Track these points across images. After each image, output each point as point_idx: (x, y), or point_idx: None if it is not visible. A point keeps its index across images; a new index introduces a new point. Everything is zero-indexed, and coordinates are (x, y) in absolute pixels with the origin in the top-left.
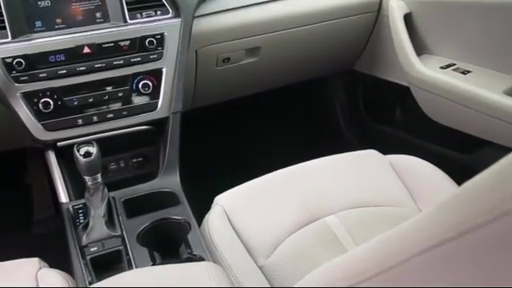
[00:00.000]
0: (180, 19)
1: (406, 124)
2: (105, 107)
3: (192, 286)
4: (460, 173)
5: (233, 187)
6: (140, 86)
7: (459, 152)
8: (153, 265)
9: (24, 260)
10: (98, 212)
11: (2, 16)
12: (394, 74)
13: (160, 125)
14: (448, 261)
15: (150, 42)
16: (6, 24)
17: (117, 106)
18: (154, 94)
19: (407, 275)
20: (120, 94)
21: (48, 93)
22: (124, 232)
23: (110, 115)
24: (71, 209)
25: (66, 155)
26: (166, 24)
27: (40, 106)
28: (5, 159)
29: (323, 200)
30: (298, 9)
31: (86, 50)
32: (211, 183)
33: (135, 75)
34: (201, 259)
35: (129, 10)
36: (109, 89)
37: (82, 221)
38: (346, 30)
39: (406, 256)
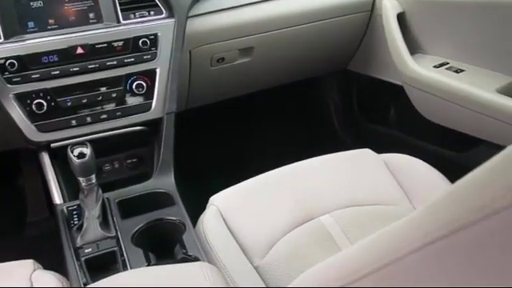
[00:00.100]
0: (173, 19)
1: (400, 123)
2: (98, 108)
3: (187, 286)
4: (454, 171)
5: (228, 187)
6: (134, 86)
7: (453, 150)
8: (148, 265)
9: (18, 262)
10: (92, 213)
11: None
12: (388, 73)
13: (154, 125)
14: (441, 258)
15: (144, 43)
16: None
17: (111, 106)
18: (148, 95)
19: (400, 274)
20: (114, 95)
21: (41, 94)
22: (119, 233)
23: (104, 116)
24: (65, 210)
25: (59, 156)
26: (159, 24)
27: (33, 107)
28: None
29: (318, 199)
30: (291, 8)
31: (79, 50)
32: (206, 183)
33: (129, 76)
34: (196, 259)
35: (122, 10)
36: (102, 89)
37: (76, 222)
38: (340, 29)
39: (399, 254)
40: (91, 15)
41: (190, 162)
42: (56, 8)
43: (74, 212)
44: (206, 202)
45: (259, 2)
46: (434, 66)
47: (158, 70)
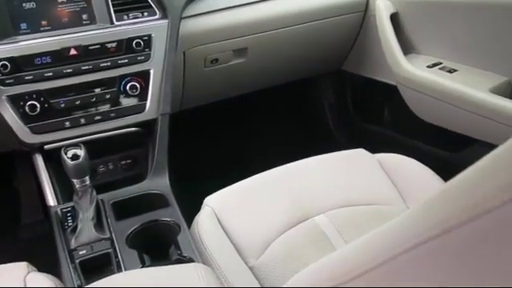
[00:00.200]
0: (167, 20)
1: (394, 123)
2: (92, 109)
3: (181, 287)
4: (448, 171)
5: (222, 188)
6: (128, 87)
7: (447, 150)
8: (142, 267)
9: (12, 264)
10: (86, 215)
11: None
12: (382, 73)
13: (148, 126)
14: (433, 258)
15: (137, 44)
16: None
17: (104, 108)
18: (142, 96)
19: (393, 274)
20: (108, 96)
21: (34, 95)
22: (113, 235)
23: (98, 117)
24: (59, 212)
25: (53, 158)
26: (153, 25)
27: (26, 108)
28: None
29: (312, 199)
30: (285, 9)
31: (73, 51)
32: (201, 184)
33: (123, 77)
34: (190, 261)
35: (115, 11)
36: (96, 91)
37: (70, 224)
38: (333, 30)
39: (392, 254)
40: (84, 16)
41: (186, 163)
42: (49, 9)
43: (68, 214)
44: (201, 202)
45: (253, 2)
46: (428, 66)
47: (151, 71)
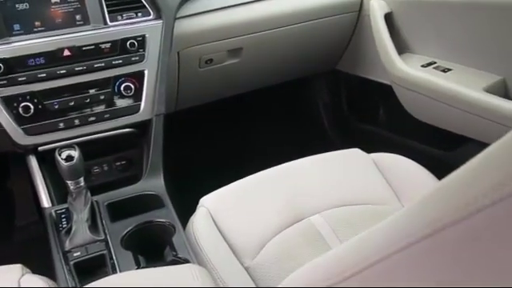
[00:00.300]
0: (161, 21)
1: (389, 122)
2: (86, 110)
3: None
4: (442, 170)
5: (218, 188)
6: (122, 88)
7: (441, 149)
8: (137, 268)
9: (6, 267)
10: (81, 216)
11: None
12: (377, 73)
13: (143, 127)
14: (426, 258)
15: (132, 44)
16: None
17: (99, 108)
18: (137, 97)
19: (386, 273)
20: (102, 97)
21: (28, 97)
22: (108, 236)
23: (92, 118)
24: (54, 214)
25: (47, 159)
26: (147, 26)
27: (20, 110)
28: None
29: (308, 199)
30: (279, 9)
31: (66, 52)
32: (197, 185)
33: (117, 78)
34: (186, 261)
35: (109, 12)
36: (90, 92)
37: (64, 226)
38: (328, 29)
39: (385, 254)
40: (78, 17)
41: (181, 163)
42: (42, 10)
43: (63, 215)
44: (197, 203)
45: (247, 3)
46: (422, 66)
47: (146, 72)
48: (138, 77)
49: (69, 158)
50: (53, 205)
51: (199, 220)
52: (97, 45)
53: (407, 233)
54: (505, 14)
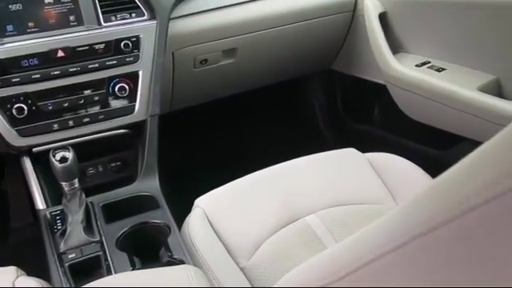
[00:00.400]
0: (155, 21)
1: (384, 122)
2: (81, 111)
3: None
4: (437, 169)
5: (213, 189)
6: (116, 89)
7: (436, 148)
8: (132, 270)
9: (1, 269)
10: (75, 218)
11: None
12: (371, 72)
13: (138, 128)
14: (419, 257)
15: (126, 45)
16: None
17: (93, 109)
18: (131, 97)
19: (380, 273)
20: (96, 98)
21: (22, 98)
22: (103, 237)
23: (87, 119)
24: (48, 215)
25: (41, 161)
26: (141, 26)
27: (13, 111)
28: None
29: (303, 199)
30: (274, 9)
31: (60, 53)
32: (192, 186)
33: (111, 78)
34: (181, 262)
35: (103, 12)
36: (84, 93)
37: (59, 227)
38: (323, 29)
39: (378, 253)
40: (72, 18)
41: (176, 164)
42: (35, 11)
43: (58, 217)
44: (192, 204)
45: (242, 3)
46: (416, 65)
47: (140, 73)
48: (133, 77)
49: (63, 160)
50: (47, 206)
51: (194, 221)
52: (91, 45)
53: (401, 232)
54: (498, 13)
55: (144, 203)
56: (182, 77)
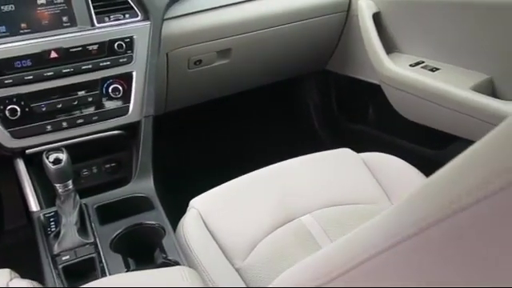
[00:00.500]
0: (149, 22)
1: (379, 122)
2: (74, 113)
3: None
4: (432, 169)
5: (208, 190)
6: (110, 90)
7: (431, 148)
8: (127, 271)
9: None
10: (69, 220)
11: None
12: (365, 72)
13: (132, 129)
14: (411, 257)
15: (119, 46)
16: None
17: (87, 111)
18: (125, 98)
19: (373, 273)
20: (90, 99)
21: (14, 99)
22: (97, 239)
23: (80, 121)
24: (42, 217)
25: (35, 162)
26: (134, 27)
27: (6, 112)
28: None
29: (298, 200)
30: (268, 10)
31: (53, 54)
32: (187, 186)
33: (105, 79)
34: (176, 264)
35: (96, 13)
36: (78, 94)
37: (53, 229)
38: (317, 30)
39: (372, 253)
40: (65, 18)
41: (171, 165)
42: (28, 12)
43: (51, 219)
44: (187, 205)
45: (236, 3)
46: (410, 65)
47: (134, 74)
48: (127, 78)
49: (56, 161)
50: (41, 208)
51: (189, 222)
52: (84, 46)
53: (393, 232)
54: (492, 13)
55: (139, 204)
56: (177, 78)
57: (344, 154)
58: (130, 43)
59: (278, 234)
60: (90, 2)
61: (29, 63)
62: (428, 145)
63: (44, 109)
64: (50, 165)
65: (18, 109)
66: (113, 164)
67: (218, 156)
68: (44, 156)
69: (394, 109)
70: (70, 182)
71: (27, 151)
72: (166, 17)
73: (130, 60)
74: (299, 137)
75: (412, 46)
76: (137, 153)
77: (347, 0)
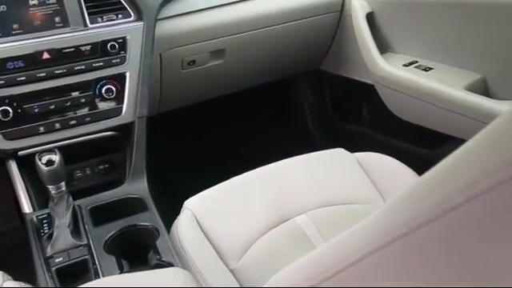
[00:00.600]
0: (142, 22)
1: (373, 122)
2: (67, 114)
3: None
4: (426, 168)
5: (202, 190)
6: (103, 91)
7: (425, 148)
8: (120, 273)
9: None
10: (62, 221)
11: None
12: (359, 72)
13: (125, 130)
14: (403, 256)
15: (112, 46)
16: None
17: (80, 112)
18: (118, 99)
19: (366, 273)
20: (83, 100)
21: (7, 100)
22: (90, 241)
23: (73, 122)
24: (35, 219)
25: (27, 164)
26: (127, 28)
27: None
28: None
29: (293, 200)
30: (262, 10)
31: (46, 55)
32: (181, 187)
33: (98, 80)
34: (170, 265)
35: (89, 13)
36: (71, 95)
37: (46, 231)
38: (311, 30)
39: (364, 253)
40: (57, 19)
41: (165, 165)
42: (20, 12)
43: (44, 221)
44: (181, 206)
45: (229, 3)
46: (404, 65)
47: (127, 74)
48: (120, 79)
49: (49, 163)
50: (34, 210)
51: (183, 223)
52: (77, 47)
53: (385, 232)
54: (485, 13)
55: (132, 206)
56: (170, 78)
57: (338, 153)
58: (123, 44)
59: (273, 235)
60: (82, 3)
61: (21, 64)
62: (422, 144)
63: (36, 110)
64: (43, 166)
65: (11, 110)
66: (106, 165)
67: (212, 156)
68: (37, 157)
69: (387, 109)
70: (62, 183)
71: (20, 153)
72: (159, 17)
73: (123, 61)
74: (293, 137)
75: (405, 45)
76: (130, 154)
77: (341, 0)
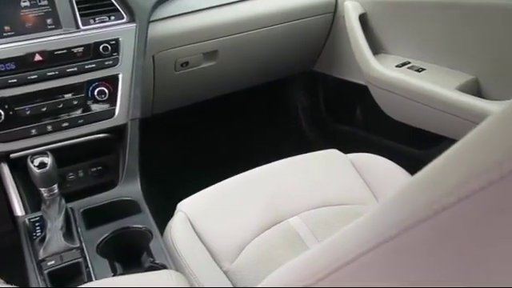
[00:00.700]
0: (135, 24)
1: (366, 122)
2: (59, 116)
3: None
4: (419, 169)
5: (196, 192)
6: (96, 93)
7: (418, 148)
8: (114, 276)
9: None
10: (55, 224)
11: None
12: (352, 73)
13: (118, 132)
14: (394, 257)
15: (105, 48)
16: None
17: (72, 114)
18: (111, 101)
19: (358, 274)
20: (75, 102)
21: None
22: (83, 243)
23: (66, 124)
24: (27, 222)
25: (19, 167)
26: (120, 29)
27: None
28: None
29: (286, 201)
30: (254, 11)
31: (38, 57)
32: (174, 190)
33: (90, 82)
34: (163, 267)
35: (81, 15)
36: (63, 97)
37: (38, 234)
38: (304, 31)
39: (355, 254)
40: (49, 21)
41: (158, 168)
42: (11, 14)
43: (37, 223)
44: (175, 208)
45: (221, 5)
46: (397, 66)
47: (120, 76)
48: (112, 81)
49: (41, 165)
50: (26, 213)
51: (177, 225)
52: (69, 49)
53: (376, 233)
54: (477, 13)
55: (125, 208)
56: (163, 80)
57: (332, 154)
58: (115, 45)
59: (266, 236)
60: (74, 4)
61: (13, 66)
62: (415, 145)
63: (28, 112)
64: (35, 169)
65: (2, 112)
66: (99, 167)
67: (206, 158)
68: (29, 160)
69: (380, 109)
70: (55, 186)
71: (11, 155)
72: (151, 19)
73: (115, 62)
74: (287, 138)
75: (398, 46)
76: (123, 156)
77: (334, 1)
